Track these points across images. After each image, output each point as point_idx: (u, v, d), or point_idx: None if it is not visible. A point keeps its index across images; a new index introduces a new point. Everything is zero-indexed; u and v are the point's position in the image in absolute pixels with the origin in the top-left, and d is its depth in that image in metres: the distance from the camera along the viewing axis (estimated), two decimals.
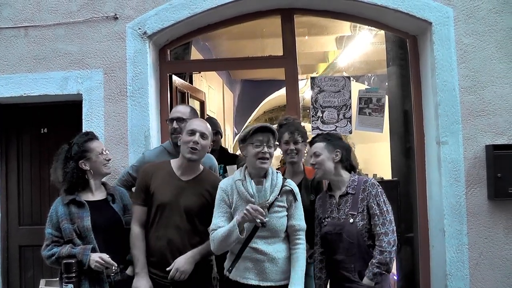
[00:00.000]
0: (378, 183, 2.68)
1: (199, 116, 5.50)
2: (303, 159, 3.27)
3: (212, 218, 2.56)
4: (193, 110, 3.33)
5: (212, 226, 2.53)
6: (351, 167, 2.82)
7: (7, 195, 4.14)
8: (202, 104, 5.42)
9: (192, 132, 2.69)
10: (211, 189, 2.72)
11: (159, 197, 2.68)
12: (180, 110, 3.25)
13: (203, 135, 2.70)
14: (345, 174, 2.77)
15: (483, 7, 3.66)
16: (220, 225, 2.50)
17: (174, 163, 2.81)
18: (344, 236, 2.62)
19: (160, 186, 2.70)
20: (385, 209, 2.59)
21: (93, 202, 2.74)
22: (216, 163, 3.35)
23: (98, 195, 2.80)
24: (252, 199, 2.51)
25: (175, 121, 3.13)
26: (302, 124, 3.42)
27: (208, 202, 2.70)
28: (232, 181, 2.59)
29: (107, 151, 2.85)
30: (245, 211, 2.38)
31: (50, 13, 3.85)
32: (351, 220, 2.62)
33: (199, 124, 2.76)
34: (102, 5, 3.84)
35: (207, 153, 2.88)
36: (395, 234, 2.58)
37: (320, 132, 3.98)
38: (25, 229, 4.13)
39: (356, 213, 2.63)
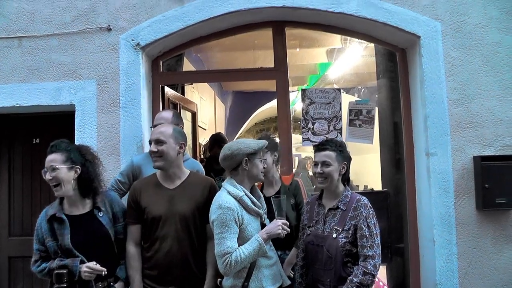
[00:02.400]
0: (370, 205, 2.63)
1: (191, 127, 5.58)
2: (276, 168, 3.35)
3: (221, 241, 2.45)
4: (176, 114, 3.41)
5: (227, 249, 2.43)
6: (347, 180, 2.79)
7: None
8: (194, 115, 5.45)
9: (150, 143, 2.78)
10: (203, 190, 2.76)
11: (152, 210, 2.69)
12: (164, 116, 3.33)
13: (157, 141, 2.73)
14: (341, 187, 2.73)
15: (470, 22, 3.75)
16: (235, 247, 2.45)
17: (159, 174, 2.83)
18: (324, 249, 2.60)
19: (151, 200, 2.71)
20: (374, 232, 2.55)
21: (77, 217, 2.64)
22: (202, 169, 3.41)
23: (83, 207, 2.68)
24: (260, 211, 2.60)
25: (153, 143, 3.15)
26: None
27: (200, 204, 2.71)
28: (233, 199, 2.54)
29: (47, 173, 2.60)
30: (280, 229, 2.53)
31: (44, 24, 3.88)
32: (334, 235, 2.58)
33: (154, 133, 2.80)
34: (96, 17, 3.87)
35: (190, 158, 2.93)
36: (380, 259, 2.55)
37: (311, 143, 4.03)
38: (15, 240, 4.11)
39: (341, 230, 2.59)
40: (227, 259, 2.42)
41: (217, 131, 7.18)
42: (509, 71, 3.69)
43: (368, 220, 2.55)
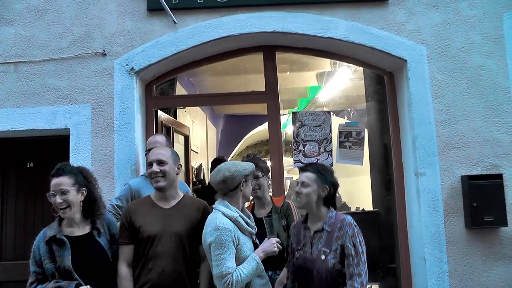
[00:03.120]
0: (355, 223, 2.62)
1: (183, 150, 5.64)
2: (268, 191, 3.43)
3: (221, 262, 2.46)
4: (167, 138, 3.53)
5: (227, 270, 2.44)
6: (332, 204, 2.75)
7: None
8: (187, 138, 5.51)
9: (150, 164, 2.81)
10: (197, 211, 2.80)
11: (147, 229, 2.69)
12: (158, 140, 3.40)
13: (159, 162, 2.78)
14: (323, 210, 2.71)
15: (453, 46, 3.90)
16: (234, 267, 2.47)
17: (154, 195, 2.86)
18: (314, 272, 2.59)
19: (146, 219, 2.72)
20: (360, 250, 2.54)
21: (76, 238, 2.63)
22: (190, 190, 3.49)
23: (83, 228, 2.68)
24: (253, 230, 2.66)
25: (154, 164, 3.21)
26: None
27: (194, 224, 2.74)
28: (228, 220, 2.57)
29: (56, 197, 2.59)
30: (275, 247, 2.61)
31: (40, 49, 3.95)
32: (323, 257, 2.57)
33: (154, 154, 2.85)
34: (91, 42, 3.96)
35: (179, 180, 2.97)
36: (367, 276, 2.56)
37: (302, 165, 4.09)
38: (7, 265, 4.08)
39: (329, 251, 2.58)
40: (228, 280, 2.43)
41: (213, 154, 7.24)
42: (492, 93, 3.83)
43: (353, 239, 2.55)
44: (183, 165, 5.38)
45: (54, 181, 2.60)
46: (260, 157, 3.45)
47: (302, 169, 2.78)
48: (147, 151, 3.30)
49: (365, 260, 2.56)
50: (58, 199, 2.57)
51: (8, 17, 3.98)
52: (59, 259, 2.55)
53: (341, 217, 2.65)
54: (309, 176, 2.69)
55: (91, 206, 2.70)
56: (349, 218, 2.63)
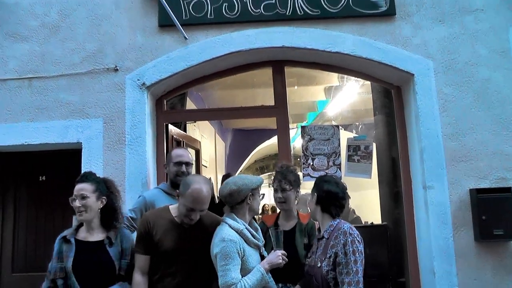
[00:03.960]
0: (352, 232, 2.63)
1: (195, 164, 5.68)
2: (295, 205, 3.35)
3: (226, 272, 2.51)
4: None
5: (232, 280, 2.48)
6: (332, 213, 2.77)
7: (1, 242, 4.17)
8: (198, 152, 5.56)
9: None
10: (214, 228, 2.78)
11: (165, 245, 2.69)
12: (189, 155, 3.49)
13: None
14: (324, 218, 2.78)
15: (460, 60, 3.94)
16: (239, 278, 2.51)
17: (174, 210, 2.83)
18: (313, 279, 2.65)
19: (165, 235, 2.72)
20: (352, 259, 2.55)
21: (88, 243, 2.72)
22: None
23: (97, 235, 2.76)
24: (259, 243, 2.71)
25: (184, 165, 3.35)
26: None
27: (210, 242, 2.74)
28: (235, 232, 2.62)
29: (76, 201, 2.70)
30: (281, 260, 2.65)
31: (54, 65, 4.05)
32: (319, 264, 2.65)
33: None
34: (103, 57, 4.05)
35: None
36: (360, 286, 2.54)
37: (312, 179, 4.13)
38: (18, 277, 4.12)
39: (323, 258, 2.64)
40: None
41: (222, 169, 7.27)
42: (499, 106, 3.85)
43: (346, 247, 2.57)
44: None
45: (77, 186, 2.74)
46: (293, 169, 3.32)
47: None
48: (179, 162, 3.36)
49: (359, 269, 2.55)
50: (77, 203, 2.70)
51: (23, 34, 4.09)
52: (65, 259, 2.67)
53: (339, 225, 2.69)
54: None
55: (110, 216, 2.81)
56: (346, 226, 2.65)
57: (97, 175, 2.89)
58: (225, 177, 5.74)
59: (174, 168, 3.36)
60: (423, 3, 4.05)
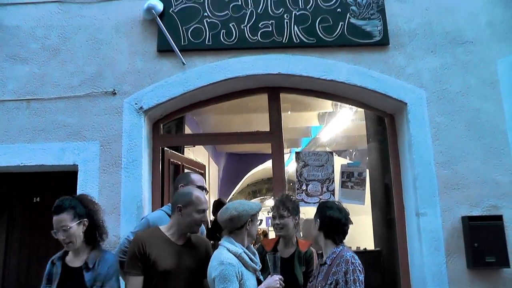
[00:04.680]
0: (354, 261, 2.66)
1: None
2: (295, 231, 3.38)
3: None
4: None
5: None
6: (336, 239, 2.82)
7: None
8: (202, 176, 5.55)
9: (204, 211, 2.86)
10: (204, 248, 2.91)
11: (162, 264, 2.69)
12: (203, 181, 3.52)
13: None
14: (327, 244, 2.81)
15: (451, 90, 4.04)
16: None
17: (165, 228, 2.86)
18: None
19: (161, 254, 2.72)
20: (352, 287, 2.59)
21: (71, 270, 2.71)
22: (203, 227, 3.54)
23: (82, 258, 2.74)
24: (258, 266, 2.73)
25: (204, 190, 3.37)
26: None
27: (202, 261, 2.80)
28: (232, 255, 2.65)
29: (59, 233, 2.69)
30: (278, 284, 2.69)
31: (52, 87, 4.08)
32: None
33: (207, 204, 2.95)
34: (102, 81, 4.10)
35: None
36: None
37: (306, 204, 4.17)
38: None
39: (324, 284, 2.67)
40: None
41: (215, 193, 7.28)
42: (490, 136, 3.94)
43: (347, 276, 2.60)
44: None
45: (55, 218, 2.69)
46: (292, 198, 3.40)
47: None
48: (200, 187, 3.36)
49: None
50: (61, 236, 2.67)
51: (23, 56, 4.14)
52: (53, 282, 2.66)
53: (343, 252, 2.72)
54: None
55: (94, 232, 2.79)
56: (349, 255, 2.69)
57: (71, 197, 2.82)
58: (216, 203, 5.80)
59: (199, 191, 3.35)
60: (416, 34, 4.18)
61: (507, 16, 4.20)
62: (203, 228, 3.55)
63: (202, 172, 5.60)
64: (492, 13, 4.21)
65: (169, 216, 3.27)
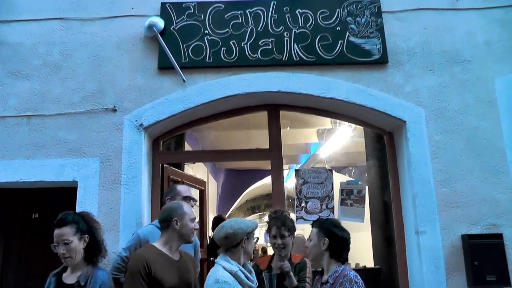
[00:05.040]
0: (358, 280, 2.67)
1: (199, 205, 5.66)
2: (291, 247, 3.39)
3: None
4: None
5: None
6: (341, 258, 2.84)
7: None
8: (202, 192, 5.56)
9: (195, 219, 2.93)
10: (193, 263, 3.00)
11: (168, 282, 2.68)
12: (190, 191, 3.57)
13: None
14: (330, 263, 2.82)
15: (450, 108, 4.07)
16: None
17: (160, 245, 2.84)
18: None
19: (165, 271, 2.71)
20: None
21: (64, 285, 2.73)
22: (197, 239, 3.63)
23: (77, 275, 2.74)
24: (254, 284, 2.73)
25: (192, 200, 3.47)
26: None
27: (195, 275, 2.92)
28: (228, 273, 2.64)
29: (59, 247, 2.72)
30: None
31: (53, 103, 4.10)
32: None
33: (193, 212, 2.99)
34: (102, 98, 4.12)
35: None
36: None
37: (305, 221, 4.17)
38: None
39: None
40: None
41: (214, 209, 7.27)
42: (488, 154, 3.96)
43: None
44: (200, 219, 5.44)
45: (57, 231, 2.72)
46: (287, 215, 3.41)
47: (312, 225, 3.01)
48: (186, 197, 3.46)
49: None
50: (61, 250, 2.69)
51: (25, 72, 4.16)
52: None
53: (345, 272, 2.72)
54: (312, 231, 2.92)
55: (94, 250, 2.82)
56: (352, 274, 2.69)
57: (74, 213, 2.88)
58: (216, 219, 5.79)
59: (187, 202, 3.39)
60: (414, 52, 4.22)
61: (504, 36, 4.26)
62: (196, 239, 3.60)
63: (203, 188, 5.60)
64: (489, 32, 4.27)
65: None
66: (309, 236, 2.92)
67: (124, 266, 3.18)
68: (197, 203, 3.68)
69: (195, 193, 5.38)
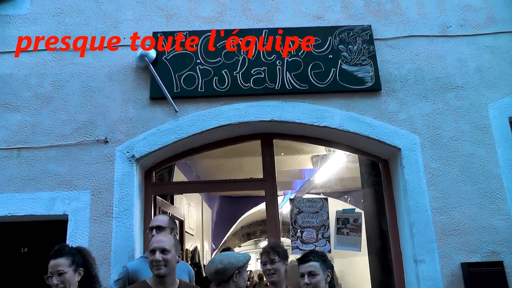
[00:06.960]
0: None
1: (178, 232, 5.60)
2: (285, 277, 3.30)
3: None
4: (171, 219, 3.51)
5: None
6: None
7: None
8: (182, 223, 5.52)
9: (153, 251, 2.73)
10: None
11: None
12: (160, 219, 3.44)
13: (163, 251, 2.73)
14: None
15: (445, 135, 4.05)
16: None
17: (151, 282, 2.78)
18: None
19: None
20: None
21: None
22: (192, 270, 3.51)
23: None
24: None
25: (154, 229, 3.29)
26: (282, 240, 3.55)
27: None
28: None
29: (53, 278, 2.67)
30: None
31: (44, 135, 4.04)
32: None
33: (158, 241, 2.79)
34: (94, 129, 4.07)
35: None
36: None
37: (301, 251, 4.08)
38: None
39: None
40: None
41: (208, 236, 7.17)
42: (485, 180, 3.93)
43: None
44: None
45: (52, 262, 2.69)
46: (281, 244, 3.42)
47: (304, 260, 2.92)
48: (150, 227, 3.35)
49: None
50: (55, 280, 2.65)
51: (15, 104, 4.12)
52: None
53: None
54: (314, 265, 2.87)
55: (88, 284, 2.77)
56: None
57: (71, 246, 2.86)
58: (224, 251, 5.67)
59: (149, 235, 3.31)
60: (407, 79, 4.23)
61: (494, 63, 4.29)
62: (191, 269, 3.53)
63: (182, 219, 5.58)
64: (480, 59, 4.30)
65: None
66: (311, 271, 2.85)
67: None
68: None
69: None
